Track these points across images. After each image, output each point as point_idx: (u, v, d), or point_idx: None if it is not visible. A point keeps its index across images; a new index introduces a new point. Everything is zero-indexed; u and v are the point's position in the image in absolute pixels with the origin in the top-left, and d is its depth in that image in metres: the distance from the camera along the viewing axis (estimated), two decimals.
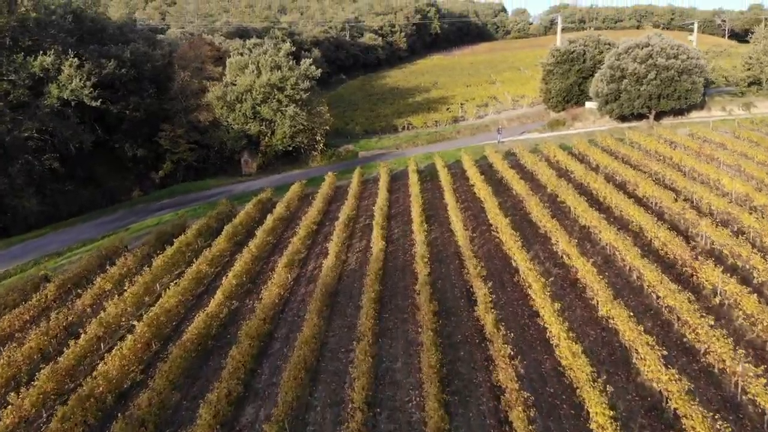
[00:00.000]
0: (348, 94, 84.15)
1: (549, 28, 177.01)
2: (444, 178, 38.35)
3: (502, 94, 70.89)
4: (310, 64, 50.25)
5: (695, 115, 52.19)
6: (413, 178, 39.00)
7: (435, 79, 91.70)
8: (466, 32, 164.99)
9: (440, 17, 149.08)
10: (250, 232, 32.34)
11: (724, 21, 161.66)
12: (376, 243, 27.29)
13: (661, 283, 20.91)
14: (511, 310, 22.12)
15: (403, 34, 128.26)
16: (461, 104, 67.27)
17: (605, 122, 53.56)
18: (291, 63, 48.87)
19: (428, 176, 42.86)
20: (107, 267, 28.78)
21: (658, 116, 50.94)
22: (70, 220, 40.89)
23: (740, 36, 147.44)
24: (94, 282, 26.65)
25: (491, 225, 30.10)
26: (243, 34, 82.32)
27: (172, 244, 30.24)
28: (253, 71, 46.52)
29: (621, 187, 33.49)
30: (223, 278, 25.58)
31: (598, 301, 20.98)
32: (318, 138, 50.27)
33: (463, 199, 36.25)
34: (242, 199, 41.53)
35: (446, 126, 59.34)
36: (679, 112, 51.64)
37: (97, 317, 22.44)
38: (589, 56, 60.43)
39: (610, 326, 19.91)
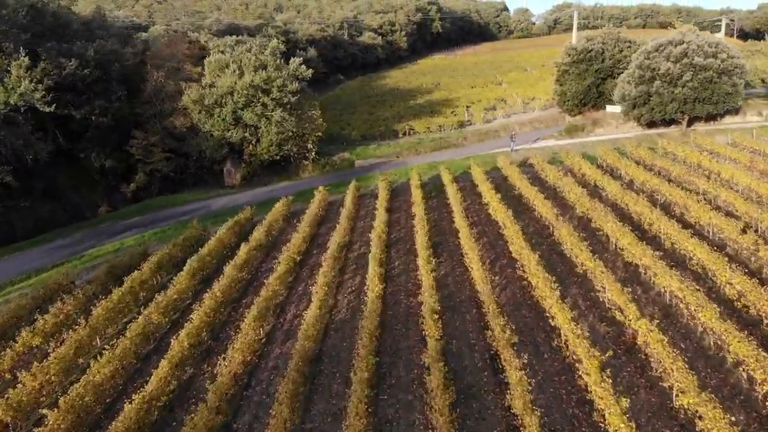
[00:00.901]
0: (346, 95, 78.34)
1: (553, 27, 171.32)
2: (452, 194, 32.57)
3: (510, 96, 65.07)
4: (300, 63, 44.36)
5: (730, 121, 46.35)
6: (416, 195, 33.19)
7: (437, 79, 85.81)
8: (467, 32, 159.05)
9: (441, 16, 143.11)
10: (223, 263, 26.55)
11: (733, 20, 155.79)
12: (373, 286, 21.45)
13: (756, 360, 15.13)
14: (552, 391, 16.28)
15: (403, 33, 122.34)
16: (467, 107, 61.44)
17: (629, 128, 47.76)
18: (278, 62, 43.00)
19: (433, 191, 37.04)
20: (47, 309, 23.00)
21: (689, 122, 45.11)
22: (20, 244, 35.04)
23: (751, 35, 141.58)
24: (17, 338, 20.82)
25: (514, 258, 24.30)
26: (234, 32, 76.17)
27: (126, 276, 24.63)
28: (234, 71, 40.70)
29: (665, 209, 27.66)
30: (180, 331, 19.85)
31: (671, 385, 15.17)
32: (309, 146, 44.49)
33: (476, 221, 30.45)
34: (219, 217, 35.73)
35: (451, 131, 53.54)
36: (711, 117, 45.80)
37: (4, 398, 16.69)
38: (608, 55, 54.63)
39: (690, 419, 14.07)
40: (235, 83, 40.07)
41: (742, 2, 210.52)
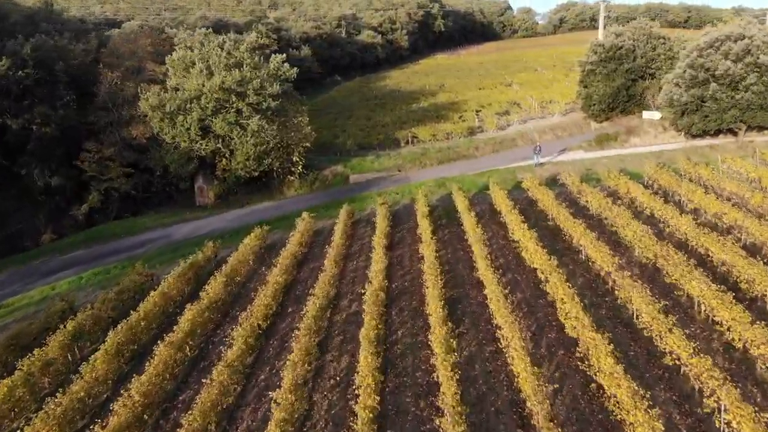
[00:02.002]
0: (342, 97, 70.98)
1: (558, 26, 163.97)
2: (469, 225, 25.32)
3: (524, 99, 57.70)
4: (283, 61, 36.96)
5: None
6: (424, 225, 25.94)
7: (441, 80, 78.40)
8: (470, 31, 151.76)
9: (444, 15, 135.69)
10: (164, 330, 19.29)
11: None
12: (365, 397, 14.13)
13: None
14: None
15: (404, 31, 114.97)
16: (477, 111, 54.12)
17: (670, 138, 40.46)
18: (257, 60, 35.64)
19: (444, 218, 29.77)
20: None
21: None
22: None
23: None
24: None
25: (566, 333, 17.01)
26: (221, 29, 68.88)
27: (37, 347, 17.53)
28: (202, 71, 33.41)
29: (752, 252, 20.37)
30: None
31: None
32: (295, 159, 37.18)
33: (503, 265, 23.19)
34: (179, 251, 28.52)
35: (461, 140, 46.25)
36: (763, 126, 38.37)
37: None
38: (640, 53, 47.27)
39: None
40: (203, 85, 32.74)
41: (753, 1, 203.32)
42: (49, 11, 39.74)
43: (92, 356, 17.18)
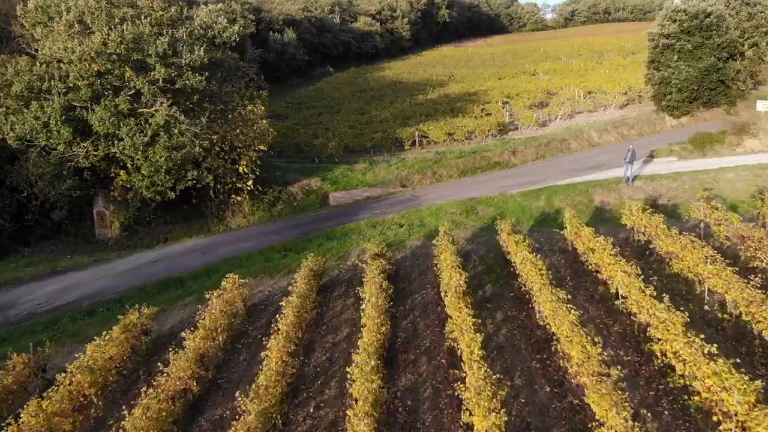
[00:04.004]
0: (331, 89, 57.21)
1: (570, 19, 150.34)
2: (546, 297, 11.75)
3: (560, 89, 44.06)
4: (217, 15, 22.96)
5: None
6: (454, 304, 12.32)
7: (450, 70, 64.85)
8: (477, 23, 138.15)
9: (449, 5, 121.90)
10: None
11: None
12: None
13: None
14: None
15: (405, 20, 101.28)
16: (503, 103, 40.49)
17: None
18: (173, 12, 21.79)
19: (489, 278, 16.15)
20: None
21: None
22: None
23: None
24: None
25: None
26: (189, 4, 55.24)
27: None
28: (72, 25, 19.75)
29: None
30: None
31: None
32: (242, 169, 23.51)
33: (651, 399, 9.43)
34: (9, 344, 14.94)
35: (489, 140, 32.64)
36: None
37: None
38: (733, 23, 33.81)
39: None
40: (72, 51, 19.01)
41: None
42: None
43: None
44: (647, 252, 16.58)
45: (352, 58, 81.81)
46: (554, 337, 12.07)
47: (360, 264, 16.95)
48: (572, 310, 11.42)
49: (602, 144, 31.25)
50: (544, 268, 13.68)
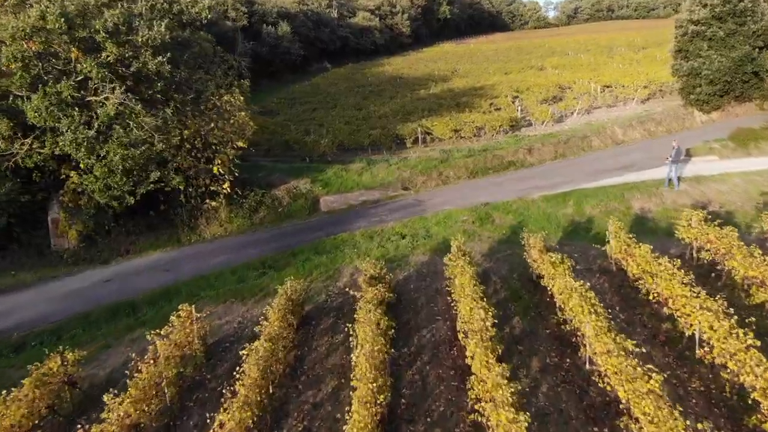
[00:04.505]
0: (328, 84, 53.60)
1: (573, 17, 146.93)
2: (602, 348, 8.05)
3: (573, 83, 40.51)
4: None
5: None
6: (478, 354, 8.73)
7: (452, 66, 61.36)
8: (478, 21, 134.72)
9: (449, 1, 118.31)
10: None
11: None
12: None
13: None
14: None
15: (405, 16, 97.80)
16: (514, 98, 36.93)
17: None
18: None
19: (516, 305, 12.54)
20: None
21: None
22: None
23: None
24: None
25: None
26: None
27: None
28: None
29: None
30: None
31: None
32: (217, 169, 19.98)
33: None
34: None
35: (498, 137, 29.09)
36: None
37: None
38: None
39: None
40: (4, 28, 15.43)
41: None
42: None
43: None
44: (712, 274, 13.09)
45: (351, 54, 78.24)
46: (619, 405, 8.57)
47: (350, 291, 13.41)
48: (652, 375, 7.91)
49: (627, 141, 27.73)
50: (597, 303, 10.16)
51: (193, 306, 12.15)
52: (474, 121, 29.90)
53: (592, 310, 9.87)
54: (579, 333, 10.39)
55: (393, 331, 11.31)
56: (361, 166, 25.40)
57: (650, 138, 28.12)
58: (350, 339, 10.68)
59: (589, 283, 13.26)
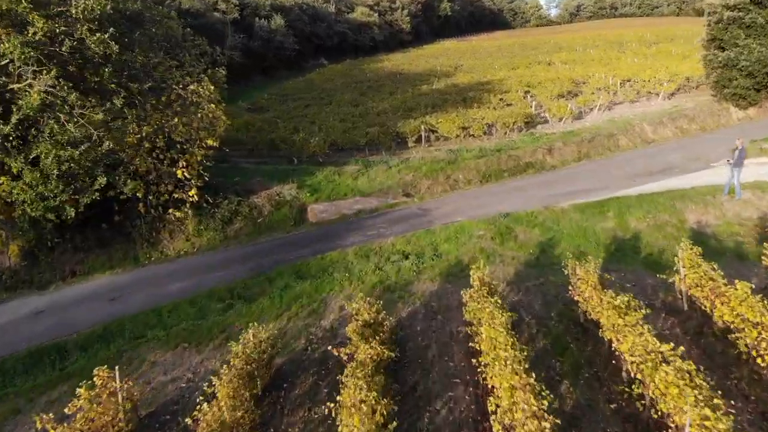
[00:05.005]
0: (324, 80, 50.06)
1: (575, 14, 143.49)
2: None
3: (588, 77, 36.99)
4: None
5: None
6: None
7: (455, 62, 57.82)
8: (479, 18, 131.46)
9: None
10: None
11: None
12: None
13: None
14: None
15: (405, 12, 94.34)
16: (525, 93, 33.44)
17: None
18: None
19: (571, 383, 8.91)
20: None
21: None
22: None
23: None
24: None
25: None
26: None
27: None
28: None
29: None
30: None
31: None
32: (182, 172, 16.46)
33: None
34: None
35: (512, 135, 25.60)
36: None
37: None
38: None
39: None
40: None
41: None
42: None
43: None
44: None
45: (349, 51, 74.74)
46: None
47: (335, 351, 9.93)
48: None
49: (658, 140, 24.25)
50: (703, 381, 6.68)
51: (116, 368, 8.65)
52: (484, 117, 26.40)
53: (698, 396, 6.38)
54: (672, 423, 6.91)
55: (394, 402, 7.85)
56: (357, 169, 21.89)
57: (683, 136, 24.64)
58: (338, 406, 7.27)
59: (655, 321, 9.84)
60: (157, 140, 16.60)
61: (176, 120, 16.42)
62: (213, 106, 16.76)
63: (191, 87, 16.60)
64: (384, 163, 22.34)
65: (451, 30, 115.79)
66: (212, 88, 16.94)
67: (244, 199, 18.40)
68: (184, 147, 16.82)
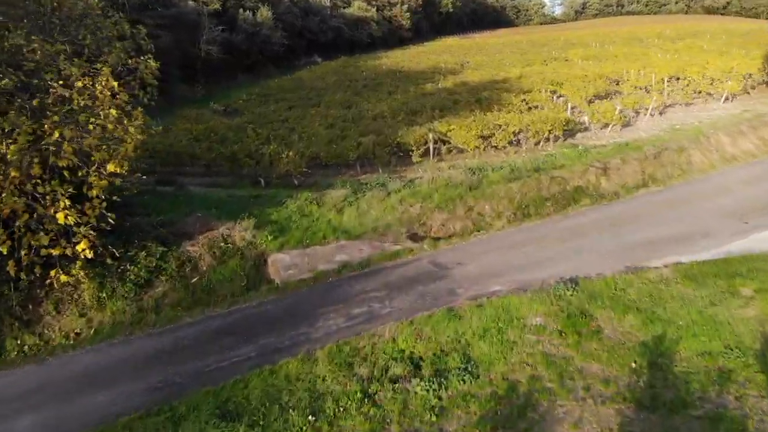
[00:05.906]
0: (314, 78, 43.82)
1: (580, 12, 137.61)
2: None
3: (624, 73, 30.85)
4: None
5: None
6: None
7: (461, 59, 51.66)
8: (481, 16, 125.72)
9: None
10: None
11: None
12: None
13: None
14: None
15: (405, 8, 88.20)
16: (553, 93, 27.31)
17: None
18: None
19: None
20: None
21: None
22: None
23: None
24: None
25: None
26: None
27: None
28: None
29: None
30: None
31: None
32: (64, 216, 10.32)
33: None
34: None
35: (546, 146, 19.55)
36: None
37: None
38: None
39: None
40: None
41: None
42: None
43: None
44: None
45: (344, 47, 68.47)
46: None
47: None
48: None
49: (740, 156, 18.17)
50: None
51: None
52: (509, 123, 20.25)
53: None
54: None
55: None
56: (343, 195, 15.74)
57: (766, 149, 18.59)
58: None
59: None
60: (32, 166, 10.48)
61: (56, 134, 10.32)
62: (113, 111, 10.69)
63: (78, 83, 10.51)
64: (381, 187, 16.23)
65: (452, 27, 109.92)
66: (115, 84, 10.87)
67: (171, 249, 12.27)
68: (72, 176, 10.73)
